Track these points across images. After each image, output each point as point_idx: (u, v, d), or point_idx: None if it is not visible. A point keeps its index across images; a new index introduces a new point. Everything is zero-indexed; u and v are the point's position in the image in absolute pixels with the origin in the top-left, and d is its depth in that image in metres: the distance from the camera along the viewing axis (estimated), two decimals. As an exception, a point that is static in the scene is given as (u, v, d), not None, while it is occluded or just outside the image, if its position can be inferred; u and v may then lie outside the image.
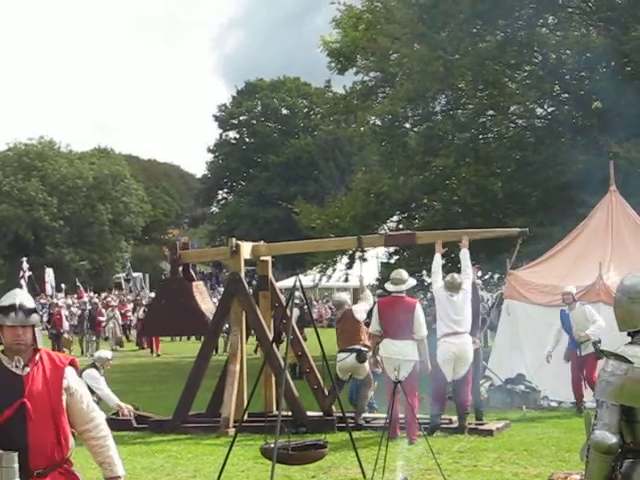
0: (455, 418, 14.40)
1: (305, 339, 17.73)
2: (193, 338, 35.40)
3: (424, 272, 25.28)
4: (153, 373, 26.69)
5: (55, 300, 41.05)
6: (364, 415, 15.09)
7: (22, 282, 42.05)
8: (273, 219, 68.83)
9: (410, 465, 11.04)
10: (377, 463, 10.13)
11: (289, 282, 30.75)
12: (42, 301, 42.67)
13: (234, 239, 15.68)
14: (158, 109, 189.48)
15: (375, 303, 14.77)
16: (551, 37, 25.82)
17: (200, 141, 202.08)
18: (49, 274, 49.17)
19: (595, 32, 25.62)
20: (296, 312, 21.80)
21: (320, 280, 30.35)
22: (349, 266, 28.27)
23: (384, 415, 12.62)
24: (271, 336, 14.89)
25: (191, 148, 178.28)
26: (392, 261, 27.55)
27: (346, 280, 28.90)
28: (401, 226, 27.67)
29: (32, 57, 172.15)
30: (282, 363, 13.29)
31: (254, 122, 78.55)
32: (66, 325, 33.13)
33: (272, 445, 9.32)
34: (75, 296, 48.22)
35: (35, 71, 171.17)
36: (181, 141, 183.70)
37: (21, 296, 5.59)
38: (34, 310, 5.53)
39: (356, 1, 29.90)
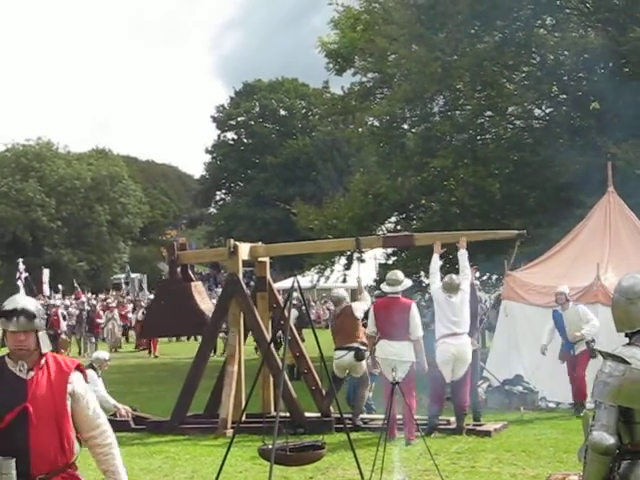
0: (453, 419, 14.40)
1: (303, 340, 17.74)
2: (191, 339, 35.39)
3: (422, 273, 25.30)
4: (151, 374, 26.68)
5: (52, 301, 41.02)
6: (362, 416, 15.10)
7: (19, 283, 42.03)
8: (271, 220, 68.87)
9: (408, 466, 11.05)
10: (375, 464, 10.13)
11: (287, 283, 30.78)
12: (39, 302, 42.53)
13: (232, 240, 15.68)
14: (156, 110, 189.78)
15: (372, 304, 14.80)
16: (549, 38, 25.83)
17: (198, 142, 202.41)
18: (46, 275, 49.15)
19: (593, 33, 25.63)
20: (295, 313, 21.84)
21: (318, 281, 30.36)
22: (347, 267, 28.26)
23: (382, 416, 12.62)
24: (269, 337, 14.88)
25: (189, 149, 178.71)
26: (390, 262, 27.53)
27: (344, 281, 28.87)
28: (399, 227, 27.69)
29: (30, 58, 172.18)
30: (280, 364, 13.30)
31: (252, 123, 78.59)
32: (63, 326, 33.11)
33: (270, 446, 9.30)
34: (73, 297, 48.20)
35: (33, 72, 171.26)
36: (179, 142, 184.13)
37: (23, 301, 5.51)
38: (37, 315, 5.42)
39: (354, 2, 29.95)
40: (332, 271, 29.09)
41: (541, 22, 26.51)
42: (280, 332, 14.35)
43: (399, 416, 13.21)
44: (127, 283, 62.83)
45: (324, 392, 14.93)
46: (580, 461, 5.52)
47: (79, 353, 31.96)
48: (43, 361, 5.45)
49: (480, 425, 14.61)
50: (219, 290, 39.71)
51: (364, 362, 14.78)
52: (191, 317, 15.83)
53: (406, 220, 28.52)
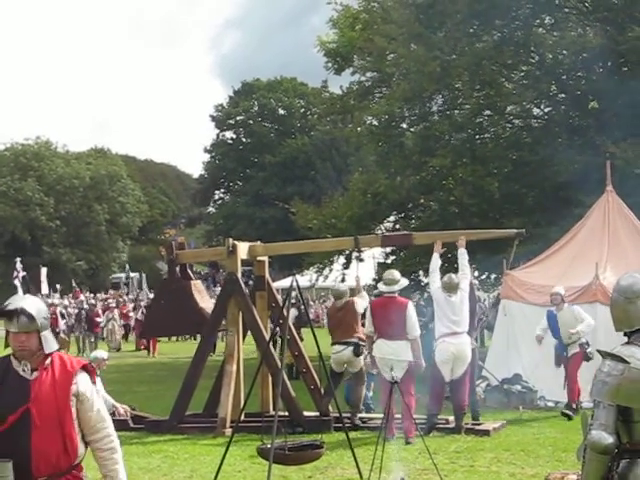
0: (452, 418, 14.40)
1: (302, 339, 17.74)
2: (190, 338, 35.36)
3: (421, 272, 25.31)
4: (150, 373, 26.67)
5: (51, 300, 40.97)
6: (361, 415, 15.09)
7: (16, 282, 41.95)
8: (270, 219, 68.89)
9: (407, 465, 11.04)
10: (374, 463, 10.12)
11: (286, 282, 30.74)
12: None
13: (231, 239, 15.69)
14: (155, 109, 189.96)
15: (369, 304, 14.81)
16: (548, 37, 25.82)
17: (197, 141, 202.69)
18: (44, 274, 49.11)
19: (592, 32, 25.60)
20: (295, 312, 21.82)
21: (317, 280, 30.35)
22: (346, 266, 28.24)
23: (381, 415, 12.62)
24: (268, 336, 14.88)
25: (188, 148, 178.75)
26: (389, 261, 27.53)
27: (343, 280, 28.81)
28: (398, 226, 27.67)
29: (29, 58, 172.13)
30: (279, 363, 13.29)
31: (251, 122, 78.64)
32: (62, 325, 33.10)
33: (269, 445, 9.30)
34: (71, 296, 48.16)
35: (32, 72, 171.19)
36: (178, 141, 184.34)
37: (23, 301, 5.41)
38: (38, 315, 5.33)
39: (353, 1, 29.95)
40: (331, 270, 29.08)
41: (540, 21, 26.51)
42: (277, 330, 14.32)
43: (398, 415, 13.21)
44: (127, 283, 62.79)
45: (323, 391, 14.93)
46: (579, 460, 5.52)
47: (78, 352, 31.91)
48: (48, 361, 5.38)
49: (479, 424, 14.60)
50: (218, 289, 39.71)
51: (361, 358, 14.79)
52: (192, 316, 15.83)
53: (405, 219, 28.51)
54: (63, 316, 34.67)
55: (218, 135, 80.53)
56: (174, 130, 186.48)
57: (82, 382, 5.44)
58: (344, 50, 29.71)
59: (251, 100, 78.58)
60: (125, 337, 38.84)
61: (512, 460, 12.00)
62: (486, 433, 13.95)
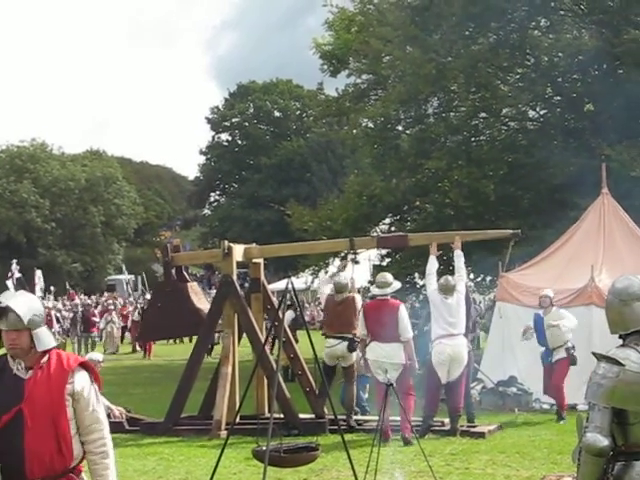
0: (447, 420, 14.40)
1: (297, 341, 17.74)
2: (185, 340, 35.32)
3: (416, 275, 25.32)
4: (145, 375, 26.65)
5: (45, 302, 40.90)
6: (356, 417, 15.09)
7: (9, 284, 41.88)
8: (265, 221, 68.85)
9: (402, 467, 11.04)
10: (369, 465, 10.12)
11: (281, 284, 30.72)
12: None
13: (226, 241, 15.71)
14: (150, 111, 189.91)
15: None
16: (543, 40, 25.87)
17: (192, 143, 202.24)
18: (39, 276, 49.04)
19: (587, 35, 25.66)
20: (291, 314, 21.79)
21: (312, 282, 30.34)
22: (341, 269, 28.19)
23: (376, 417, 12.61)
24: (263, 338, 14.88)
25: (183, 150, 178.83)
26: (384, 264, 27.53)
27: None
28: (393, 228, 27.70)
29: (24, 59, 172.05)
30: (274, 365, 13.28)
31: (246, 124, 78.63)
32: (56, 327, 33.03)
33: (264, 447, 9.29)
34: (65, 298, 48.07)
35: (27, 73, 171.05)
36: (173, 143, 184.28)
37: (13, 298, 5.33)
38: (27, 313, 5.25)
39: (348, 3, 29.97)
40: (326, 272, 29.06)
41: (535, 24, 26.54)
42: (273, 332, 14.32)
43: (395, 418, 13.20)
44: (128, 283, 62.65)
45: (317, 392, 14.92)
46: (574, 462, 5.52)
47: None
48: (44, 359, 5.28)
49: (474, 426, 14.61)
50: (213, 292, 39.66)
51: (354, 354, 14.78)
52: (189, 318, 15.83)
53: (400, 221, 28.52)
54: (58, 319, 34.60)
55: (213, 137, 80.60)
56: (169, 132, 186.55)
57: (79, 381, 5.32)
58: (340, 52, 29.74)
59: (247, 102, 78.56)
60: (121, 339, 38.78)
61: (507, 462, 12.00)
62: (481, 435, 13.96)
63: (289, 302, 16.97)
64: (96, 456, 5.37)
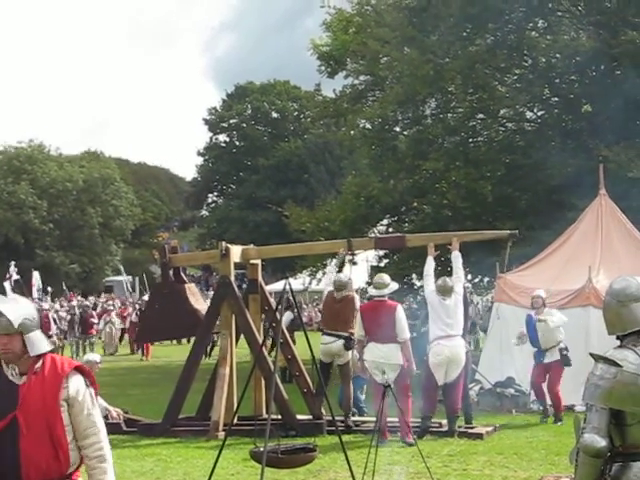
0: (445, 422, 14.40)
1: (294, 342, 17.73)
2: (183, 341, 35.31)
3: (414, 275, 25.31)
4: (143, 376, 26.63)
5: (42, 303, 40.82)
6: (353, 418, 15.08)
7: (6, 285, 41.84)
8: (263, 222, 68.83)
9: (400, 468, 11.03)
10: (367, 466, 10.11)
11: (279, 285, 30.73)
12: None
13: (224, 242, 15.71)
14: (148, 112, 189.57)
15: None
16: (541, 41, 25.89)
17: (190, 144, 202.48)
18: (36, 277, 49.02)
19: (585, 36, 25.68)
20: (289, 315, 21.79)
21: (310, 283, 30.35)
22: (339, 269, 28.21)
23: (374, 418, 12.61)
24: (261, 339, 14.88)
25: (181, 151, 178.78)
26: (382, 265, 27.54)
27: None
28: (391, 229, 27.72)
29: (21, 60, 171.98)
30: (272, 366, 13.28)
31: (244, 125, 78.63)
32: (54, 328, 32.98)
33: (262, 448, 9.28)
34: (62, 299, 48.00)
35: (24, 75, 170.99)
36: (171, 144, 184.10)
37: (2, 303, 5.21)
38: (17, 317, 5.12)
39: (346, 5, 29.98)
40: (324, 273, 29.06)
41: (533, 25, 26.58)
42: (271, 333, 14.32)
43: (392, 418, 13.19)
44: (126, 284, 62.55)
45: (315, 392, 14.91)
46: (571, 464, 5.51)
47: (72, 356, 31.86)
48: (39, 364, 5.18)
49: (472, 428, 14.61)
50: (211, 293, 39.64)
51: (350, 353, 14.77)
52: (187, 319, 15.83)
53: (398, 223, 28.54)
54: (55, 321, 34.55)
55: (211, 138, 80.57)
56: (167, 133, 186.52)
57: (73, 385, 5.23)
58: (337, 53, 29.76)
59: (244, 103, 78.55)
60: (120, 339, 38.74)
61: (505, 463, 12.01)
62: (479, 436, 13.95)
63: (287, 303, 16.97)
64: (93, 460, 5.29)
